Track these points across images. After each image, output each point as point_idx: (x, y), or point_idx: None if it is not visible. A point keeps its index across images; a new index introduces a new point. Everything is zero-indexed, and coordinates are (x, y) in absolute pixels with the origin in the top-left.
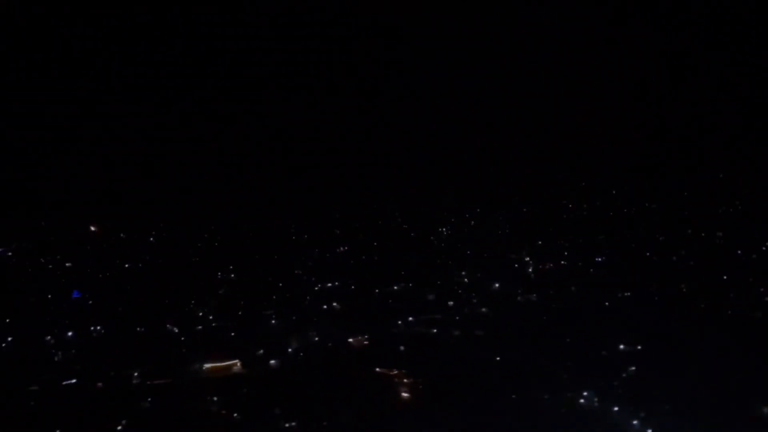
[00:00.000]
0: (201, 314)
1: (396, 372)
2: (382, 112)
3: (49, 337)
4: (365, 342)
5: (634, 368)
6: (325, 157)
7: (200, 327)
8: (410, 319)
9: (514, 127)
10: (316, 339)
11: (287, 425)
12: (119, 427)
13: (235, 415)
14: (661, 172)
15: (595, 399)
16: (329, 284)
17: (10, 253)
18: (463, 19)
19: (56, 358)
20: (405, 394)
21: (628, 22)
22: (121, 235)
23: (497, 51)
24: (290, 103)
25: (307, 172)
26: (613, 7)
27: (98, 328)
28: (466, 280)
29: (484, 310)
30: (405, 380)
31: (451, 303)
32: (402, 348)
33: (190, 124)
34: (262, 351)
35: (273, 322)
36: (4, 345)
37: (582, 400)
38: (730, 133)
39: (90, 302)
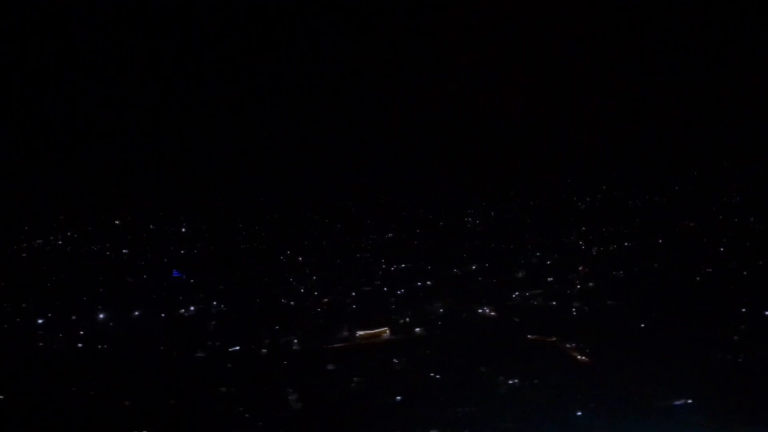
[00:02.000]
0: (303, 290)
1: (554, 339)
2: (381, 112)
3: (183, 311)
4: (492, 313)
5: None
6: (333, 151)
7: (326, 300)
8: (516, 293)
9: (515, 120)
10: (441, 310)
11: (511, 382)
12: (352, 385)
13: (432, 374)
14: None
15: None
16: (402, 265)
17: (60, 242)
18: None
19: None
20: (581, 357)
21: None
22: (151, 226)
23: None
24: (303, 102)
25: (318, 166)
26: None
27: (215, 303)
28: (547, 261)
29: (590, 284)
30: (568, 346)
31: (550, 279)
32: (517, 320)
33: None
34: (408, 319)
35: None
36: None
37: None
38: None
39: (191, 281)
